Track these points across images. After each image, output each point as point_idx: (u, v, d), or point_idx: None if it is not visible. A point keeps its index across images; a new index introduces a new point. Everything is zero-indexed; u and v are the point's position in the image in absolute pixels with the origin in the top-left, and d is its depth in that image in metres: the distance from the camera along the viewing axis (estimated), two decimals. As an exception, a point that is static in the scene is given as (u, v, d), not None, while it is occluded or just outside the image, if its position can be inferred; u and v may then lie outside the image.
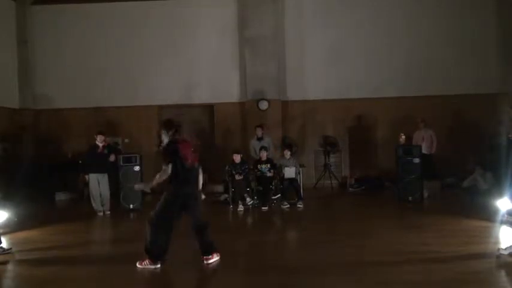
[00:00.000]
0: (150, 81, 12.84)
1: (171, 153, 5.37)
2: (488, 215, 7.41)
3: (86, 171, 9.79)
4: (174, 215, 5.39)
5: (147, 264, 5.34)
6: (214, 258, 5.48)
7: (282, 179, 10.01)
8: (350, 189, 12.11)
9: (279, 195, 10.07)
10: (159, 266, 5.34)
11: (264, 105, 12.38)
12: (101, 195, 9.53)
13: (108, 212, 9.53)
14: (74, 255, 6.23)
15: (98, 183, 9.48)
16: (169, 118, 5.74)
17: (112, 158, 9.55)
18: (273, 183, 10.09)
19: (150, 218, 5.38)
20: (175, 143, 5.42)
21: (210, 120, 13.05)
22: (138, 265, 5.38)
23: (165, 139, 5.48)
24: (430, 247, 5.96)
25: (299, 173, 10.27)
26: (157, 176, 5.42)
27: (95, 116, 12.63)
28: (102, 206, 9.54)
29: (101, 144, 9.59)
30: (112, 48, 12.89)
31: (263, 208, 9.56)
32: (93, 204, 9.56)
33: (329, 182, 12.19)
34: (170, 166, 5.31)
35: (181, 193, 5.38)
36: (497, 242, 6.04)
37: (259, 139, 10.84)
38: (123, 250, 6.47)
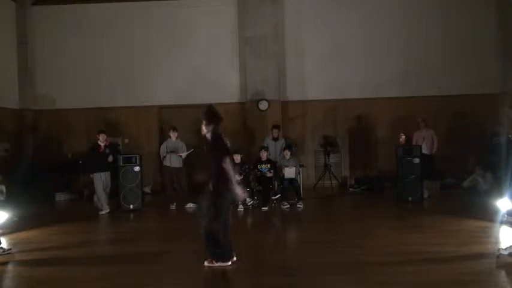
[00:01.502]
0: (150, 81, 12.85)
1: (223, 149, 5.27)
2: (488, 215, 7.41)
3: (90, 171, 9.84)
4: (228, 214, 5.38)
5: (219, 265, 5.30)
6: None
7: (282, 179, 10.01)
8: (350, 189, 12.10)
9: (279, 195, 10.08)
10: (230, 263, 5.35)
11: (264, 105, 12.39)
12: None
13: None
14: (74, 255, 6.23)
15: (103, 182, 9.60)
16: (213, 110, 5.48)
17: (110, 158, 9.61)
18: (273, 183, 10.10)
19: (205, 228, 5.26)
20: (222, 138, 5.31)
21: (210, 120, 13.01)
22: (207, 264, 5.32)
23: (206, 131, 5.32)
24: (430, 247, 5.96)
25: (299, 173, 10.27)
26: (235, 176, 5.30)
27: (95, 116, 12.65)
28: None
29: (102, 144, 9.64)
30: (112, 48, 12.90)
31: (263, 208, 9.56)
32: (99, 204, 9.65)
33: (329, 182, 12.19)
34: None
35: (231, 193, 5.28)
36: (497, 242, 6.04)
37: (275, 139, 10.84)
38: (123, 250, 6.47)
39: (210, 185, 5.26)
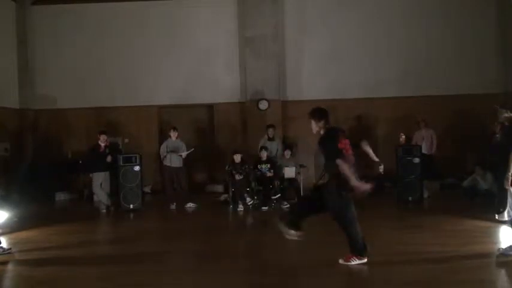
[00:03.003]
0: (150, 81, 12.85)
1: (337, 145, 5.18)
2: (488, 215, 7.40)
3: (90, 170, 9.87)
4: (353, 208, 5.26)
5: (355, 260, 5.15)
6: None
7: (282, 179, 10.01)
8: (350, 189, 12.07)
9: (279, 195, 10.07)
10: (365, 259, 5.19)
11: (263, 105, 12.39)
12: None
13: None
14: (74, 255, 6.23)
15: (102, 182, 9.65)
16: (319, 107, 5.44)
17: (109, 158, 9.65)
18: (273, 183, 10.10)
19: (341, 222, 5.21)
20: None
21: (210, 120, 13.04)
22: (343, 262, 5.16)
23: (318, 128, 5.20)
24: (430, 247, 5.96)
25: (299, 173, 10.27)
26: (348, 172, 5.15)
27: (95, 116, 12.65)
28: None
29: (103, 144, 9.70)
30: (112, 48, 12.89)
31: (263, 208, 9.56)
32: (101, 203, 9.73)
33: (329, 182, 12.16)
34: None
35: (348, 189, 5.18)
36: (497, 242, 6.04)
37: (270, 139, 10.82)
38: (123, 250, 6.47)
39: (333, 184, 5.23)
